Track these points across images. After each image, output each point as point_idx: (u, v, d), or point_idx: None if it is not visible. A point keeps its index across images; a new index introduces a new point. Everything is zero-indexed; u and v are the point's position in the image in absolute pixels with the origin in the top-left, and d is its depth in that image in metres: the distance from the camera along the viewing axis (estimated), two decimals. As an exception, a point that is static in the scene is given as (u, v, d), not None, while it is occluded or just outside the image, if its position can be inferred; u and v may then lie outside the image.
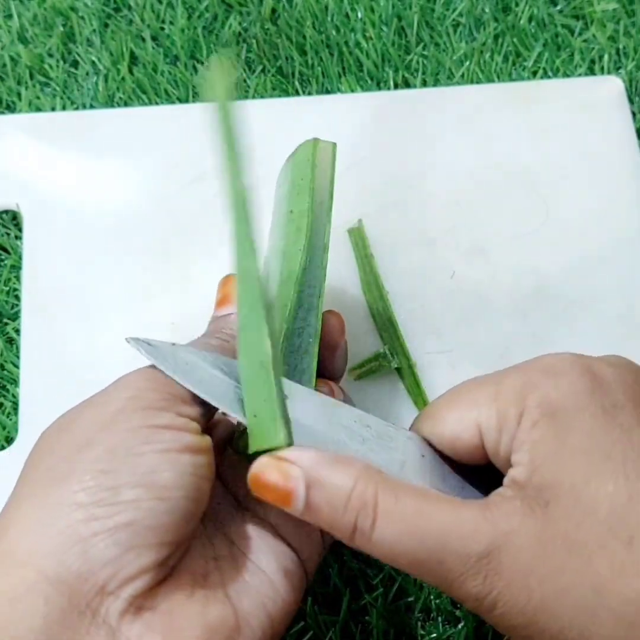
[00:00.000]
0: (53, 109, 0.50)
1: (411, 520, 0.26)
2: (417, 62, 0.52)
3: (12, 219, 0.48)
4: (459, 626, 0.40)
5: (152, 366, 0.29)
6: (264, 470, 0.27)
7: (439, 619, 0.40)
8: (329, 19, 0.53)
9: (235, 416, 0.29)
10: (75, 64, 0.52)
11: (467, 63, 0.52)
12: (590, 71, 0.52)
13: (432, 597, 0.40)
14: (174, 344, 0.31)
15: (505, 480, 0.28)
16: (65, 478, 0.26)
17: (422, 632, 0.40)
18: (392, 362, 0.43)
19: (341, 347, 0.37)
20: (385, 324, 0.44)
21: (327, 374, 0.36)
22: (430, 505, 0.27)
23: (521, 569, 0.26)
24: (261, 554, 0.30)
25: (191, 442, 0.28)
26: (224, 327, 0.34)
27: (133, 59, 0.52)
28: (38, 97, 0.51)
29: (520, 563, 0.26)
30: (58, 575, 0.24)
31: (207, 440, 0.29)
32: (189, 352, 0.30)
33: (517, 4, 0.54)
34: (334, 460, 0.27)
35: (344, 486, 0.27)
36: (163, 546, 0.26)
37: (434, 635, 0.40)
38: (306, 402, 0.31)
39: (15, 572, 0.25)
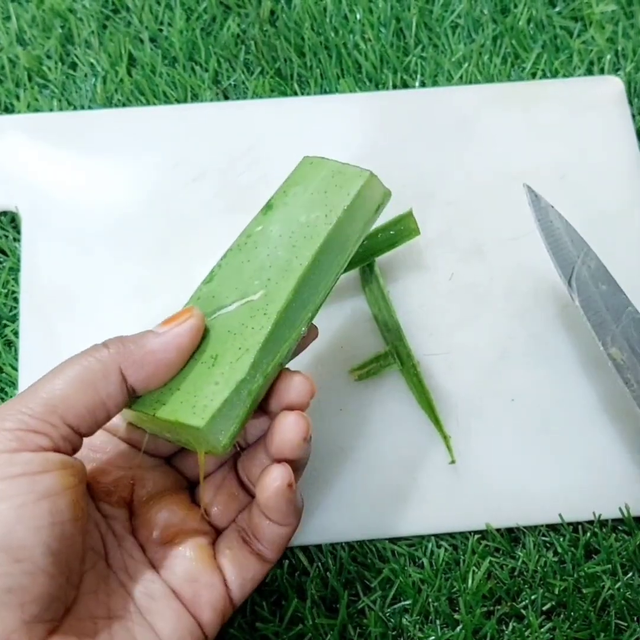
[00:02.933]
0: (51, 111, 0.50)
1: None
2: (416, 64, 0.52)
3: (10, 222, 0.48)
4: (457, 629, 0.40)
5: None
6: None
7: (437, 621, 0.40)
8: (327, 20, 0.53)
9: None
10: (73, 66, 0.52)
11: (466, 65, 0.52)
12: (589, 73, 0.52)
13: (430, 600, 0.40)
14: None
15: None
16: None
17: (420, 635, 0.40)
18: (394, 363, 0.43)
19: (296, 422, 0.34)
20: (387, 324, 0.44)
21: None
22: None
23: None
24: (159, 617, 0.31)
25: (50, 485, 0.28)
26: None
27: (131, 60, 0.52)
28: (36, 99, 0.51)
29: None
30: None
31: (75, 468, 0.29)
32: None
33: (515, 6, 0.54)
34: None
35: None
36: (29, 605, 0.26)
37: (432, 638, 0.39)
38: None
39: None
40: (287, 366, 0.35)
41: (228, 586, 0.34)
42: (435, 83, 0.52)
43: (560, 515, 0.42)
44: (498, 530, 0.42)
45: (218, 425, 0.31)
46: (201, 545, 0.34)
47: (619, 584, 0.41)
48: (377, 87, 0.52)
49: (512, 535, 0.42)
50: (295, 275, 0.34)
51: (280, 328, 0.33)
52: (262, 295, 0.34)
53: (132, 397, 0.32)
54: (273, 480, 0.32)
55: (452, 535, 0.42)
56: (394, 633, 0.40)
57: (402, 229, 0.44)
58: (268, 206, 0.37)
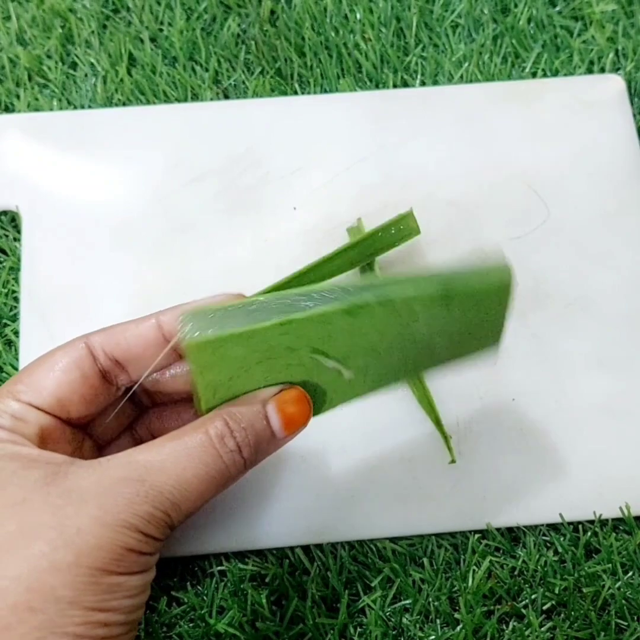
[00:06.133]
0: (51, 111, 0.50)
1: None
2: (416, 64, 0.52)
3: (11, 221, 0.48)
4: (458, 628, 0.40)
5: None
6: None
7: (437, 621, 0.40)
8: (327, 20, 0.53)
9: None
10: (74, 66, 0.52)
11: (466, 64, 0.52)
12: (589, 72, 0.52)
13: (430, 599, 0.40)
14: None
15: None
16: (70, 605, 0.26)
17: (421, 634, 0.40)
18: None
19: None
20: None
21: None
22: None
23: None
24: None
25: (153, 576, 0.30)
26: None
27: (132, 60, 0.52)
28: (37, 99, 0.51)
29: None
30: None
31: None
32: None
33: (516, 5, 0.54)
34: None
35: None
36: None
37: (432, 637, 0.39)
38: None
39: None
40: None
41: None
42: (435, 83, 0.52)
43: (560, 514, 0.42)
44: (498, 529, 0.42)
45: None
46: None
47: (619, 583, 0.41)
48: (377, 87, 0.52)
49: (513, 535, 0.42)
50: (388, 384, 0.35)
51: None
52: (353, 376, 0.34)
53: None
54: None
55: (452, 534, 0.42)
56: (394, 632, 0.40)
57: (403, 228, 0.44)
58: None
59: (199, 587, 0.41)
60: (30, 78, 0.51)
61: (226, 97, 0.51)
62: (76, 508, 0.27)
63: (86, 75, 0.52)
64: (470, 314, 0.34)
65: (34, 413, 0.31)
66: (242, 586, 0.40)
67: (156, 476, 0.28)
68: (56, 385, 0.32)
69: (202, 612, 0.40)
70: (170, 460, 0.29)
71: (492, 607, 0.40)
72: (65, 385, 0.32)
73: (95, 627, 0.26)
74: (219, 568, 0.41)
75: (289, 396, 0.32)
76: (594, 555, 0.42)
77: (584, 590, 0.40)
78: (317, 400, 0.34)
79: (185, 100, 0.51)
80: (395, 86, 0.51)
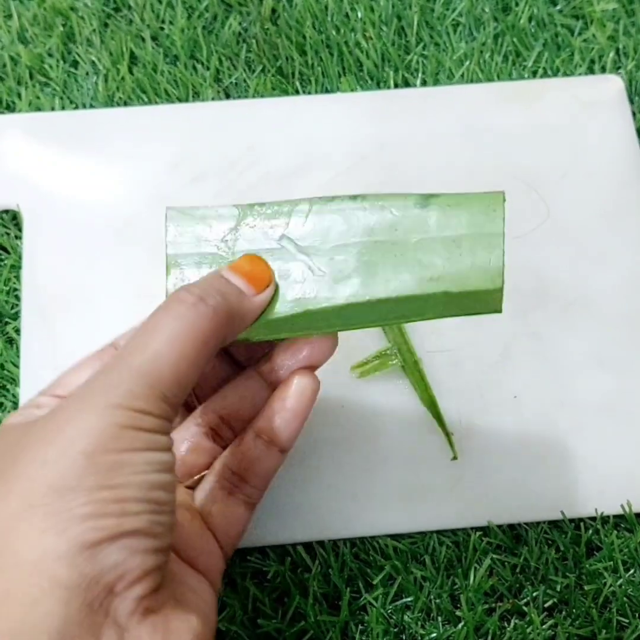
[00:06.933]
0: (53, 109, 0.50)
1: None
2: (417, 62, 0.52)
3: (12, 219, 0.48)
4: (459, 626, 0.40)
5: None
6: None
7: (439, 618, 0.40)
8: (328, 18, 0.53)
9: None
10: (75, 64, 0.52)
11: (467, 63, 0.52)
12: (590, 71, 0.52)
13: (432, 597, 0.40)
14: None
15: None
16: (71, 490, 0.26)
17: (422, 631, 0.40)
18: (396, 360, 0.43)
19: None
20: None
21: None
22: None
23: None
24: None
25: (171, 460, 0.29)
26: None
27: (133, 58, 0.52)
28: (38, 97, 0.51)
29: None
30: (71, 579, 0.25)
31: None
32: None
33: (517, 4, 0.54)
34: None
35: None
36: (160, 552, 0.28)
37: (434, 635, 0.40)
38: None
39: (26, 578, 0.25)
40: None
41: (221, 546, 0.35)
42: (436, 81, 0.52)
43: (562, 511, 0.42)
44: (500, 526, 0.42)
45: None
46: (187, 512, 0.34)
47: (620, 581, 0.41)
48: (378, 86, 0.52)
49: (514, 532, 0.42)
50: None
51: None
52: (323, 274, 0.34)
53: None
54: (303, 388, 0.35)
55: (454, 531, 0.42)
56: (395, 630, 0.40)
57: None
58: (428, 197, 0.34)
59: (200, 585, 0.41)
60: (31, 76, 0.52)
61: (227, 95, 0.52)
62: (58, 415, 0.28)
63: (87, 73, 0.52)
64: (452, 222, 0.33)
65: (55, 400, 0.32)
66: (243, 583, 0.40)
67: (126, 357, 0.29)
68: (79, 379, 0.32)
69: (204, 609, 0.40)
70: (133, 342, 0.29)
71: (493, 605, 0.40)
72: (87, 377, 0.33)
73: (106, 505, 0.26)
74: (221, 566, 0.41)
75: (239, 260, 0.34)
76: (595, 552, 0.42)
77: (586, 587, 0.40)
78: (285, 297, 0.34)
79: (187, 98, 0.51)
80: (396, 84, 0.51)
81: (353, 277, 0.33)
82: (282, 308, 0.34)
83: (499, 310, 0.33)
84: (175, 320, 0.30)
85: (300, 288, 0.34)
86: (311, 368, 0.36)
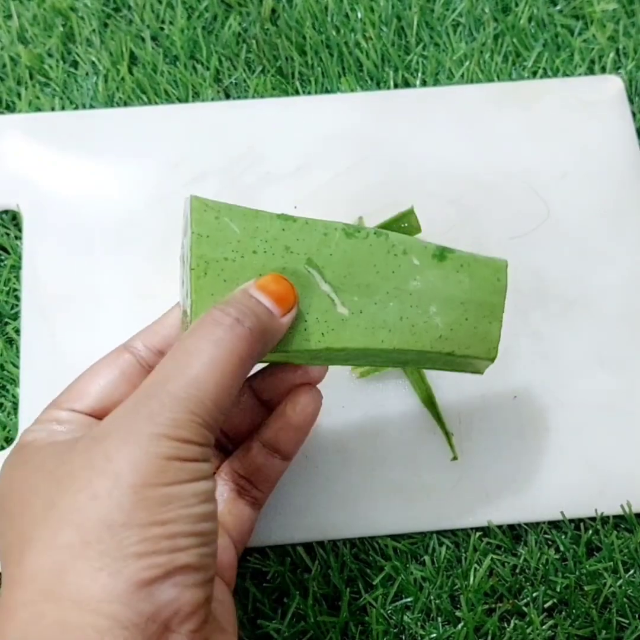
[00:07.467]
0: (53, 109, 0.50)
1: None
2: (417, 62, 0.52)
3: (12, 219, 0.48)
4: (459, 626, 0.40)
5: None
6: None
7: (439, 619, 0.40)
8: (328, 19, 0.53)
9: None
10: (75, 64, 0.52)
11: (467, 63, 0.52)
12: (590, 71, 0.52)
13: (431, 597, 0.40)
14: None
15: None
16: (123, 527, 0.26)
17: (422, 632, 0.40)
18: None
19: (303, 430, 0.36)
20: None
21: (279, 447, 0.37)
22: None
23: None
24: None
25: (213, 487, 0.29)
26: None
27: (133, 59, 0.52)
28: (38, 97, 0.51)
29: None
30: (129, 618, 0.26)
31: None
32: None
33: (516, 4, 0.54)
34: None
35: None
36: (208, 584, 0.28)
37: (434, 635, 0.39)
38: None
39: (84, 616, 0.26)
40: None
41: (234, 544, 0.35)
42: (436, 81, 0.52)
43: (562, 512, 0.42)
44: (500, 527, 0.42)
45: None
46: None
47: (620, 581, 0.41)
48: (378, 86, 0.52)
49: (514, 533, 0.42)
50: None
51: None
52: (346, 313, 0.33)
53: None
54: (306, 404, 0.35)
55: (454, 532, 0.42)
56: (395, 630, 0.40)
57: (404, 226, 0.44)
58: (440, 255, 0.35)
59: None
60: (31, 77, 0.52)
61: (227, 95, 0.51)
62: (103, 444, 0.28)
63: (87, 73, 0.52)
64: (464, 284, 0.34)
65: (77, 416, 0.32)
66: (243, 584, 0.40)
67: (165, 383, 0.28)
68: (97, 389, 0.32)
69: (204, 610, 0.40)
70: (172, 365, 0.29)
71: (493, 605, 0.40)
72: (105, 386, 0.33)
73: (158, 541, 0.26)
74: (220, 566, 0.41)
75: (265, 279, 0.32)
76: (595, 553, 0.42)
77: (585, 588, 0.40)
78: (307, 329, 0.33)
79: (186, 98, 0.51)
80: (396, 85, 0.51)
81: (372, 323, 0.33)
82: (300, 339, 0.32)
83: (482, 373, 0.37)
84: (213, 343, 0.29)
85: (323, 319, 0.33)
86: (310, 384, 0.36)
